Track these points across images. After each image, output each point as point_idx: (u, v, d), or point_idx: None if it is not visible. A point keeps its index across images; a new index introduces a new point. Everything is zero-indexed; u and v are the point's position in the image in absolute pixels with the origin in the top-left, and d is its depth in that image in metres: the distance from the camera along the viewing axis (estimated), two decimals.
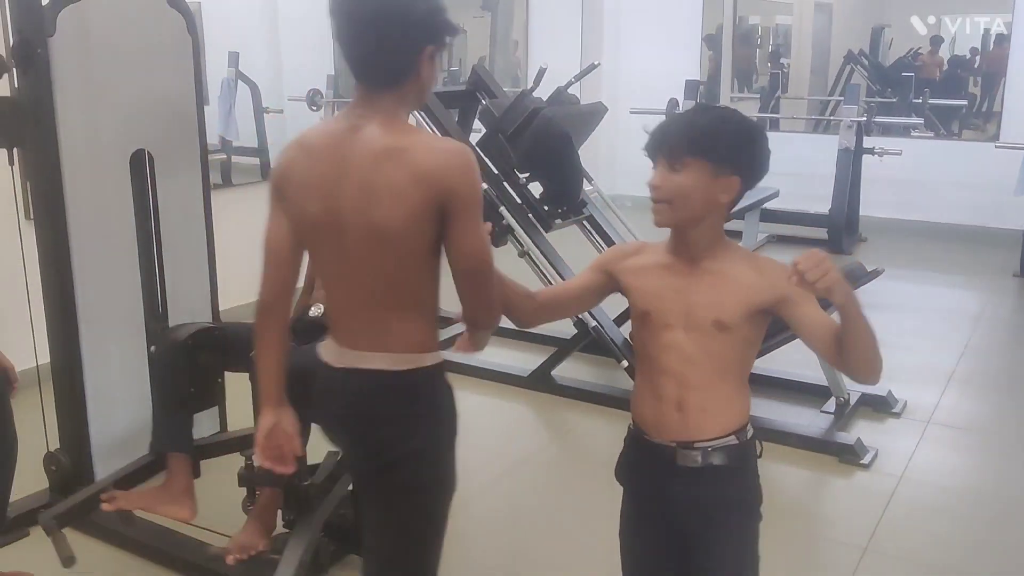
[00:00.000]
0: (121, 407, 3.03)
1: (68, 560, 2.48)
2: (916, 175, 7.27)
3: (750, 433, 1.70)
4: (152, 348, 3.02)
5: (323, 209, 1.62)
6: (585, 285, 1.81)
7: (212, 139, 4.44)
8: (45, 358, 2.95)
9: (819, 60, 8.39)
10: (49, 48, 2.69)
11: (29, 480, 2.92)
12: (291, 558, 2.33)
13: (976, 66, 7.85)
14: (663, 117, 6.83)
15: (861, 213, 6.94)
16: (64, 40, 2.72)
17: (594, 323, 3.86)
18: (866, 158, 6.76)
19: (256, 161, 5.50)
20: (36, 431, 2.95)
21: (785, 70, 8.45)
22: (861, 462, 3.40)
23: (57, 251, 2.85)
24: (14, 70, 2.72)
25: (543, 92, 4.17)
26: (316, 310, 2.75)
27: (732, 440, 1.66)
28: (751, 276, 1.63)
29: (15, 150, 2.82)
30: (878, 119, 7.13)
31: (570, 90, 4.30)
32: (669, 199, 1.61)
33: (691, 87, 7.01)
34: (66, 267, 2.86)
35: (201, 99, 3.24)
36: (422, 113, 4.02)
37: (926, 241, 7.08)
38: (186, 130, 3.15)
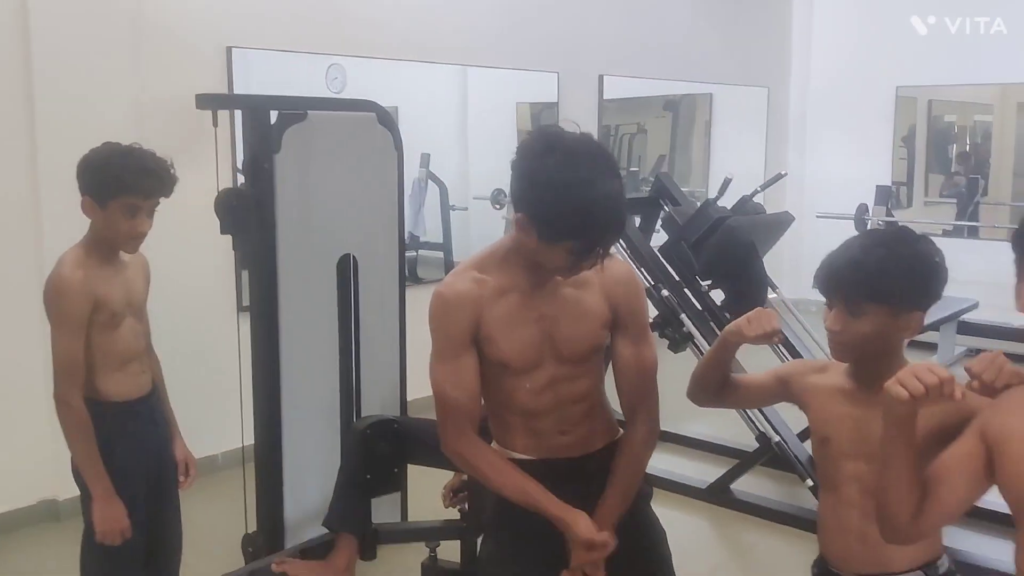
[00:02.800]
0: (314, 493, 3.18)
1: None
2: None
3: (943, 568, 1.62)
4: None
5: None
6: (760, 385, 1.83)
7: None
8: (250, 439, 3.17)
9: (1022, 163, 7.91)
10: (274, 163, 2.98)
11: (229, 561, 3.09)
12: None
13: None
14: (852, 221, 6.48)
15: None
16: (287, 155, 3.00)
17: (777, 438, 3.74)
18: None
19: (440, 255, 5.76)
20: (238, 511, 3.16)
21: (985, 172, 8.02)
22: None
23: (268, 341, 3.09)
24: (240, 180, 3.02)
25: (727, 199, 4.17)
26: None
27: (919, 574, 1.61)
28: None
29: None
30: None
31: (755, 198, 4.29)
32: (849, 343, 1.60)
33: (882, 193, 6.77)
34: (275, 356, 3.09)
35: (402, 206, 3.46)
36: None
37: None
38: (387, 234, 3.37)
